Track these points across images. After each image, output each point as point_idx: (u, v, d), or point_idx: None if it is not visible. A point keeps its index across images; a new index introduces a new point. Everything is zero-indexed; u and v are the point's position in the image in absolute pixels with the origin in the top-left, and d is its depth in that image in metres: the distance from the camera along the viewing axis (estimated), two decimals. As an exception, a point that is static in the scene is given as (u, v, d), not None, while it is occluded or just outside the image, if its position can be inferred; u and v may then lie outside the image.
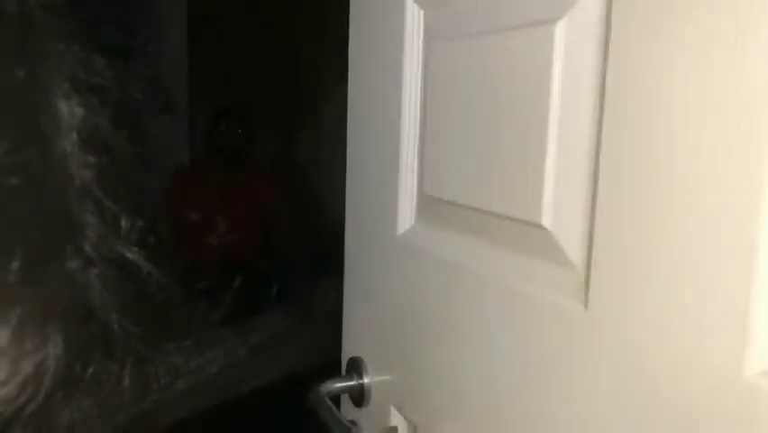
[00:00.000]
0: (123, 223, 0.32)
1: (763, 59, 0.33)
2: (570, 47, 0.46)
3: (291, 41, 3.20)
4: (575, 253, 0.46)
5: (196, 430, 2.29)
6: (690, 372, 0.37)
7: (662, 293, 0.38)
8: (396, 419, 0.71)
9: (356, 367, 0.77)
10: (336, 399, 0.78)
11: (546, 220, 0.48)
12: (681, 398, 0.37)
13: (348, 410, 0.79)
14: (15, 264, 0.27)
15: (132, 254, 0.32)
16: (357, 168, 0.78)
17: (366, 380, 0.76)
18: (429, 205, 0.65)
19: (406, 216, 0.68)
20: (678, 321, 0.37)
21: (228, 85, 3.44)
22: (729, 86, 0.34)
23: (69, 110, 0.29)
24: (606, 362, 0.43)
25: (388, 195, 0.69)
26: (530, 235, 0.50)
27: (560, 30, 0.46)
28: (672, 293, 0.38)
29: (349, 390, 0.77)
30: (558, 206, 0.47)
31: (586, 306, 0.44)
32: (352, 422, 0.76)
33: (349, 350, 0.81)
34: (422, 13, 0.63)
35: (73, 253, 0.30)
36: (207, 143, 2.78)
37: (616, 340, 0.42)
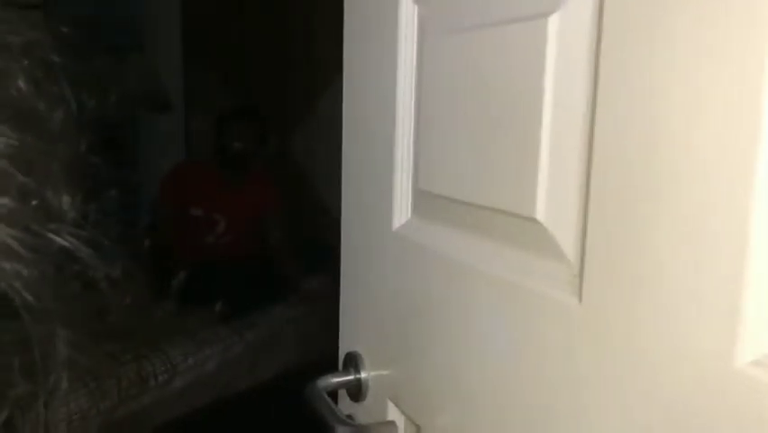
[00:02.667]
0: (57, 205, 0.28)
1: (755, 51, 0.33)
2: (562, 41, 0.46)
3: (290, 37, 3.20)
4: (569, 246, 0.46)
5: (187, 428, 2.29)
6: (682, 362, 0.37)
7: (655, 285, 0.39)
8: (393, 413, 0.72)
9: (353, 362, 0.77)
10: (333, 394, 0.79)
11: (540, 214, 0.48)
12: (674, 388, 0.38)
13: (345, 405, 0.79)
14: None
15: (67, 241, 0.28)
16: (352, 163, 0.78)
17: (363, 374, 0.76)
18: (424, 200, 0.65)
19: (402, 210, 0.68)
20: (670, 312, 0.38)
21: (224, 81, 3.43)
22: (721, 79, 0.35)
23: None
24: (600, 354, 0.43)
25: (383, 190, 0.69)
26: (525, 230, 0.50)
27: (553, 23, 0.46)
28: (664, 285, 0.38)
29: (346, 384, 0.77)
30: (552, 200, 0.48)
31: (580, 299, 0.45)
32: (350, 417, 0.76)
33: (346, 345, 0.81)
34: (416, 8, 0.63)
35: None
36: (216, 143, 2.74)
37: (609, 332, 0.42)
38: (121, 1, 3.37)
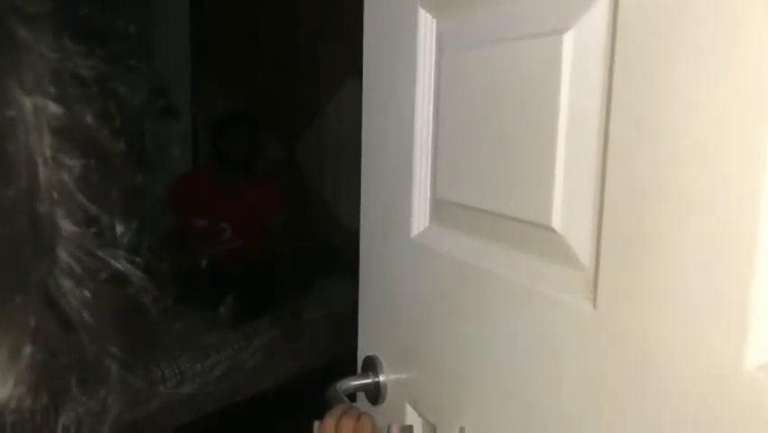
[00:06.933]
0: (113, 230, 0.29)
1: (758, 67, 0.35)
2: (577, 56, 0.48)
3: (297, 43, 3.22)
4: (584, 254, 0.48)
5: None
6: (693, 365, 0.39)
7: (666, 291, 0.40)
8: (411, 417, 0.73)
9: (372, 366, 0.79)
10: (353, 397, 0.80)
11: (556, 222, 0.50)
12: (686, 390, 0.39)
13: (364, 408, 0.81)
14: None
15: (121, 264, 0.29)
16: (372, 172, 0.80)
17: (381, 378, 0.78)
18: (442, 207, 0.67)
19: (420, 218, 0.70)
20: (681, 317, 0.39)
21: (231, 87, 3.46)
22: (729, 92, 0.36)
23: (41, 106, 0.26)
24: (613, 357, 0.45)
25: (402, 198, 0.71)
26: (540, 237, 0.52)
27: (568, 39, 0.48)
28: (674, 291, 0.40)
29: (365, 387, 0.79)
30: (567, 209, 0.49)
31: (594, 304, 0.46)
32: (369, 419, 0.78)
33: (364, 349, 0.83)
34: (434, 22, 0.65)
35: (50, 265, 0.26)
36: (213, 150, 2.76)
37: (622, 336, 0.44)
38: (128, 7, 3.38)
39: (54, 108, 0.26)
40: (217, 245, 2.69)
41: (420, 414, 0.72)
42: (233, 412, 2.37)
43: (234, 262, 2.67)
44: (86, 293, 0.28)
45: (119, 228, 0.29)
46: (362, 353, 0.83)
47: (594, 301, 0.46)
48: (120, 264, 0.29)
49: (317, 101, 3.21)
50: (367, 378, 0.79)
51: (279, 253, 2.72)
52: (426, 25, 0.66)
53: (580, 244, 0.48)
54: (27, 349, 0.25)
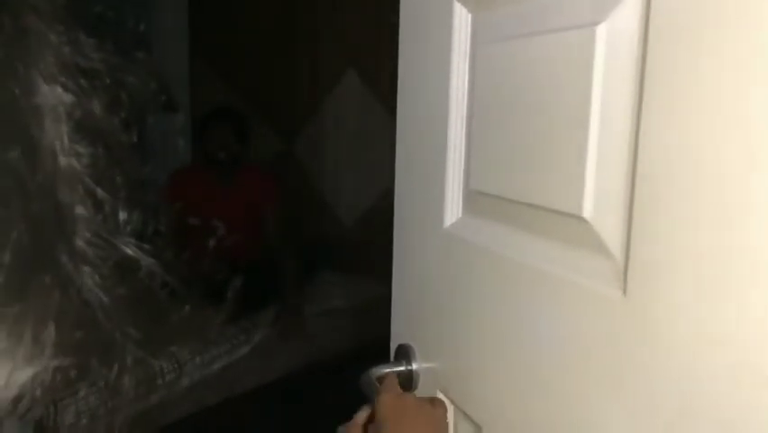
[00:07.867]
0: (121, 216, 0.30)
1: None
2: (610, 48, 0.48)
3: (296, 37, 3.24)
4: (614, 243, 0.49)
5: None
6: (720, 351, 0.39)
7: (694, 279, 0.41)
8: (442, 403, 0.75)
9: (405, 353, 0.80)
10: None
11: (587, 212, 0.51)
12: (713, 375, 0.40)
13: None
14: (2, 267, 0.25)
15: (130, 249, 0.31)
16: (406, 163, 0.81)
17: (414, 366, 0.79)
18: (475, 198, 0.68)
19: (453, 209, 0.71)
20: (709, 304, 0.40)
21: (229, 82, 3.49)
22: (764, 84, 0.37)
23: (56, 95, 0.27)
24: (643, 345, 0.45)
25: (435, 189, 0.73)
26: (571, 227, 0.53)
27: (601, 32, 0.49)
28: (703, 279, 0.40)
29: (398, 375, 0.80)
30: (598, 199, 0.50)
31: (624, 292, 0.47)
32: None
33: (397, 337, 0.85)
34: (469, 16, 0.66)
35: (65, 250, 0.28)
36: (200, 146, 2.77)
37: (652, 323, 0.44)
38: (126, 3, 3.39)
39: (68, 98, 0.28)
40: (211, 243, 2.66)
41: (452, 402, 0.73)
42: (231, 406, 2.37)
43: (231, 257, 2.62)
44: (97, 278, 0.29)
45: (123, 215, 0.30)
46: (395, 341, 0.85)
47: (624, 289, 0.47)
48: (124, 251, 0.30)
49: (315, 96, 3.22)
50: (400, 365, 0.80)
51: (277, 246, 2.69)
52: (462, 19, 0.67)
53: (611, 233, 0.49)
54: (49, 332, 0.27)
